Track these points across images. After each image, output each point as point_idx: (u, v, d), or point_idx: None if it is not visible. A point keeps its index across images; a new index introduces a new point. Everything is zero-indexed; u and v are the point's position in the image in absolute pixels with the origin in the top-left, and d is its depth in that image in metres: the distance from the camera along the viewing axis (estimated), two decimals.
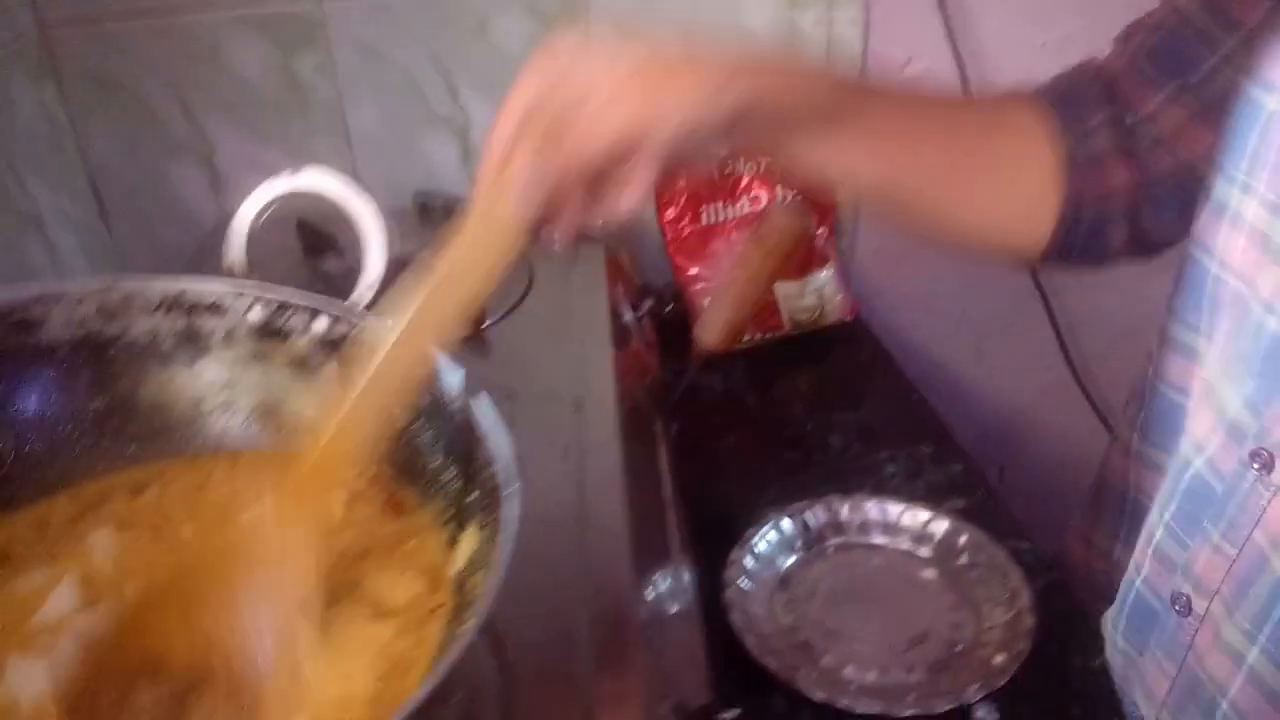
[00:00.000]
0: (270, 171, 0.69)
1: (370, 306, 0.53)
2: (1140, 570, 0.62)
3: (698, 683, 0.57)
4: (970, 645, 0.67)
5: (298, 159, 0.70)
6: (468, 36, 0.96)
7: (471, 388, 0.48)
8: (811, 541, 0.76)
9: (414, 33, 0.95)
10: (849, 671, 0.66)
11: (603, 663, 0.50)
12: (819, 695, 0.63)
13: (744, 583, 0.72)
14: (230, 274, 0.65)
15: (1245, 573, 0.53)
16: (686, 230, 1.02)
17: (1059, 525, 0.80)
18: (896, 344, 1.04)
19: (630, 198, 0.50)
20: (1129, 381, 0.70)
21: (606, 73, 0.48)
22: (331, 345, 0.54)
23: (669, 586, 0.62)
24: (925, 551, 0.75)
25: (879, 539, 0.76)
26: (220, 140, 0.98)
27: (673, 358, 0.90)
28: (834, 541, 0.76)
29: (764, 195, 1.02)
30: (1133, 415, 0.68)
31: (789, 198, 1.00)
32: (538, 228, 0.50)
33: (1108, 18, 0.64)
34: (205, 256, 0.76)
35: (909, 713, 0.62)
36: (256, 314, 0.54)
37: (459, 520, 0.48)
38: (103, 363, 0.54)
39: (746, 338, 1.01)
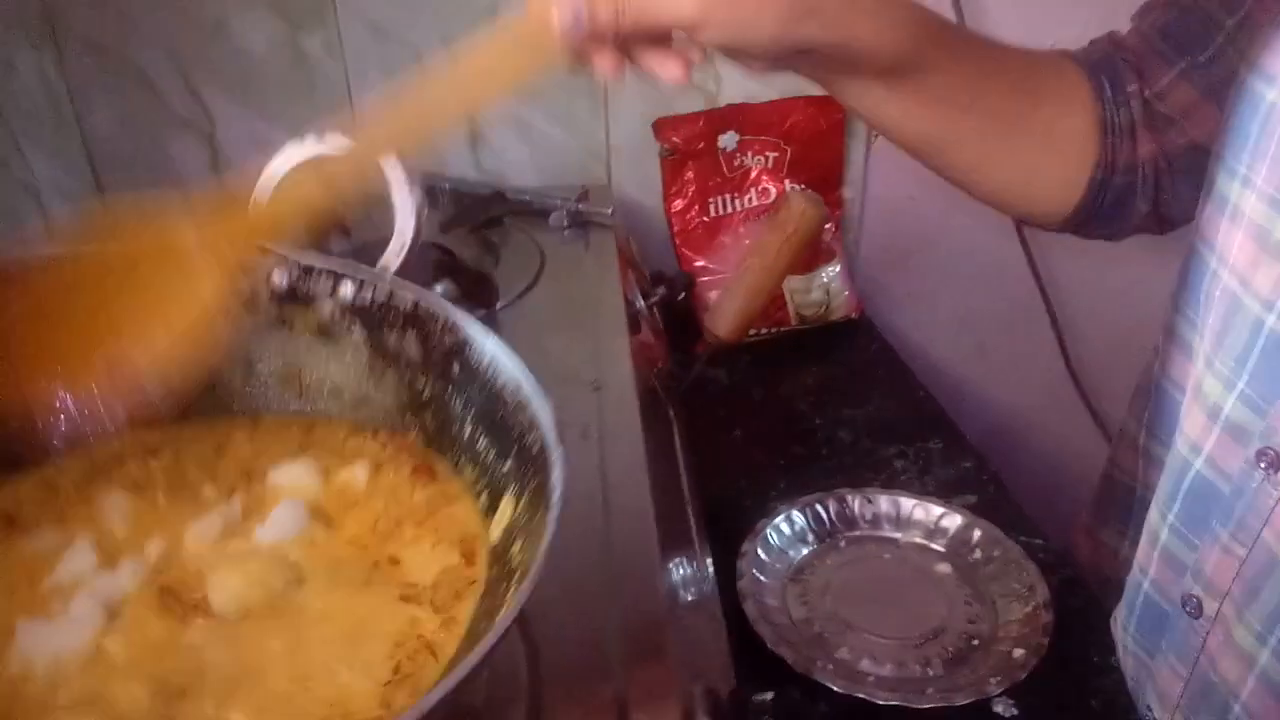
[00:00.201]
0: (272, 150, 0.67)
1: (399, 272, 0.52)
2: (1147, 571, 0.62)
3: (723, 668, 0.56)
4: (987, 640, 0.66)
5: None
6: (480, 17, 0.95)
7: (505, 353, 0.47)
8: (823, 534, 0.75)
9: (426, 12, 0.94)
10: (866, 664, 0.65)
11: (633, 646, 0.49)
12: (838, 686, 0.62)
13: (756, 574, 0.70)
14: None
15: (1255, 573, 0.52)
16: (694, 222, 1.01)
17: (1062, 524, 0.79)
18: (900, 341, 1.03)
19: (667, 72, 0.49)
20: (1131, 380, 0.69)
21: None
22: (357, 312, 0.53)
23: (689, 573, 0.61)
24: (938, 546, 0.74)
25: (891, 533, 0.75)
26: (222, 116, 0.96)
27: (678, 349, 0.89)
28: (846, 535, 0.75)
29: (773, 188, 1.02)
30: (1139, 412, 0.67)
31: (801, 189, 1.00)
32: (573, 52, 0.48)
33: (1126, 10, 0.64)
34: None
35: (928, 705, 0.61)
36: (279, 278, 0.52)
37: (494, 490, 0.46)
38: None
39: (753, 332, 1.00)
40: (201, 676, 0.39)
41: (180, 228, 0.46)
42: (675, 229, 1.01)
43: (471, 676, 0.33)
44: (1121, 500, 0.71)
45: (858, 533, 0.75)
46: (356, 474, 0.49)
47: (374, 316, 0.52)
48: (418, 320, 0.50)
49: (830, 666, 0.64)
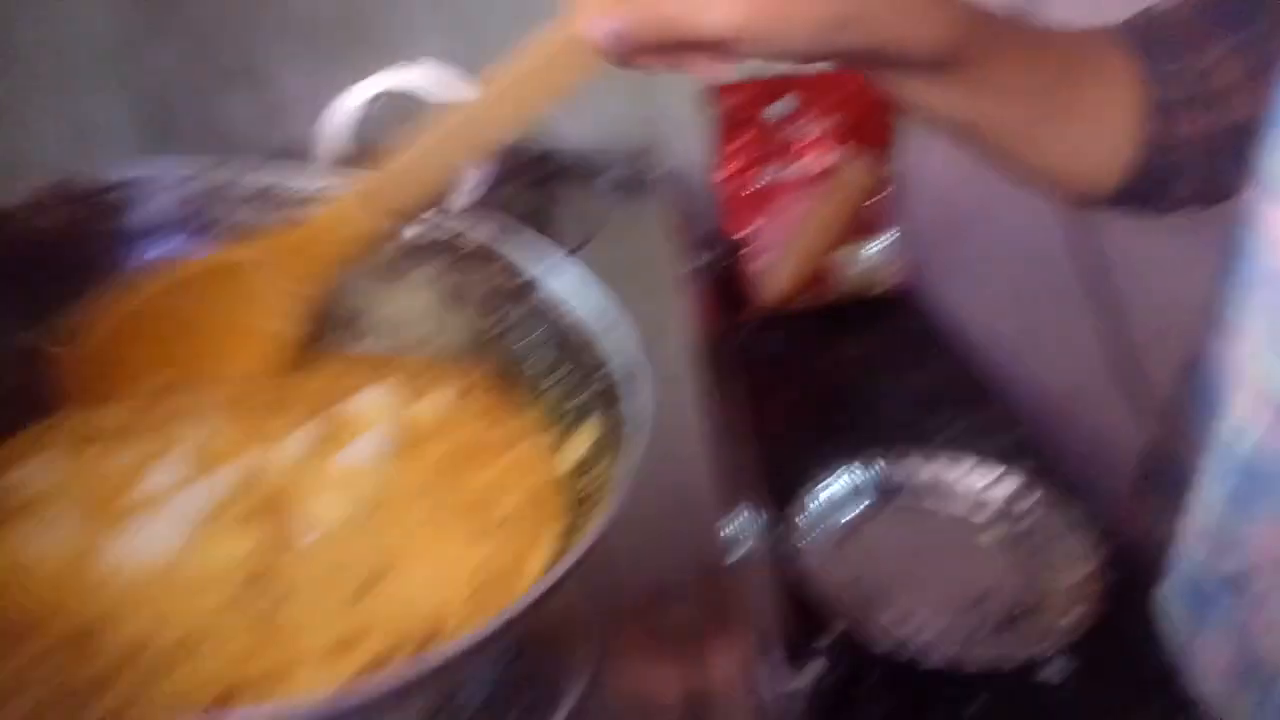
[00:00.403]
0: (330, 96, 0.67)
1: (466, 211, 0.52)
2: (1193, 548, 0.61)
3: (775, 625, 0.56)
4: (1038, 605, 0.66)
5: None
6: None
7: (585, 283, 0.47)
8: (871, 498, 0.75)
9: None
10: (915, 625, 0.65)
11: (696, 588, 0.49)
12: (886, 647, 0.62)
13: (803, 535, 0.70)
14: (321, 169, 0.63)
15: None
16: (743, 190, 1.01)
17: (1109, 499, 0.79)
18: (948, 314, 1.03)
19: (710, 72, 0.49)
20: (1180, 360, 0.69)
21: None
22: (422, 251, 0.53)
23: (743, 527, 0.61)
24: (989, 512, 0.74)
25: (941, 498, 0.75)
26: (278, 64, 0.96)
27: (725, 316, 0.89)
28: (894, 498, 0.75)
29: (825, 158, 1.01)
30: (1188, 390, 0.67)
31: (854, 158, 0.99)
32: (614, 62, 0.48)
33: None
34: None
35: (976, 668, 0.61)
36: None
37: (570, 421, 0.47)
38: None
39: (801, 299, 1.00)
40: (292, 589, 0.40)
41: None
42: (724, 195, 1.01)
43: (548, 595, 0.34)
44: (1169, 477, 0.70)
45: (907, 497, 0.75)
46: (434, 404, 0.50)
47: (444, 253, 0.52)
48: (491, 255, 0.50)
49: (879, 627, 0.64)
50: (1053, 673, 0.62)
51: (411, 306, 0.54)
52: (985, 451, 0.81)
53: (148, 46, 0.93)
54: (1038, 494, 0.73)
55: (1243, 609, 0.56)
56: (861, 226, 1.00)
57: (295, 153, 0.67)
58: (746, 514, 0.65)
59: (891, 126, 1.04)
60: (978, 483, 0.75)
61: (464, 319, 0.53)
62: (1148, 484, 0.73)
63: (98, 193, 0.51)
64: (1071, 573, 0.67)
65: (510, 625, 0.32)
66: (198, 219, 0.52)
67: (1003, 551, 0.71)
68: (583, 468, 0.44)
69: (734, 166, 1.01)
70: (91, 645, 0.38)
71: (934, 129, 0.61)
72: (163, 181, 0.52)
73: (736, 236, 1.01)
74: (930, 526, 0.73)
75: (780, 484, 0.73)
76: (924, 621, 0.65)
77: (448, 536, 0.43)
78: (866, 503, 0.74)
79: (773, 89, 0.99)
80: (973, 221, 1.08)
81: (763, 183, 1.01)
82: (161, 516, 0.42)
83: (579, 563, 0.34)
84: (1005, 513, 0.73)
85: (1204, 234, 0.64)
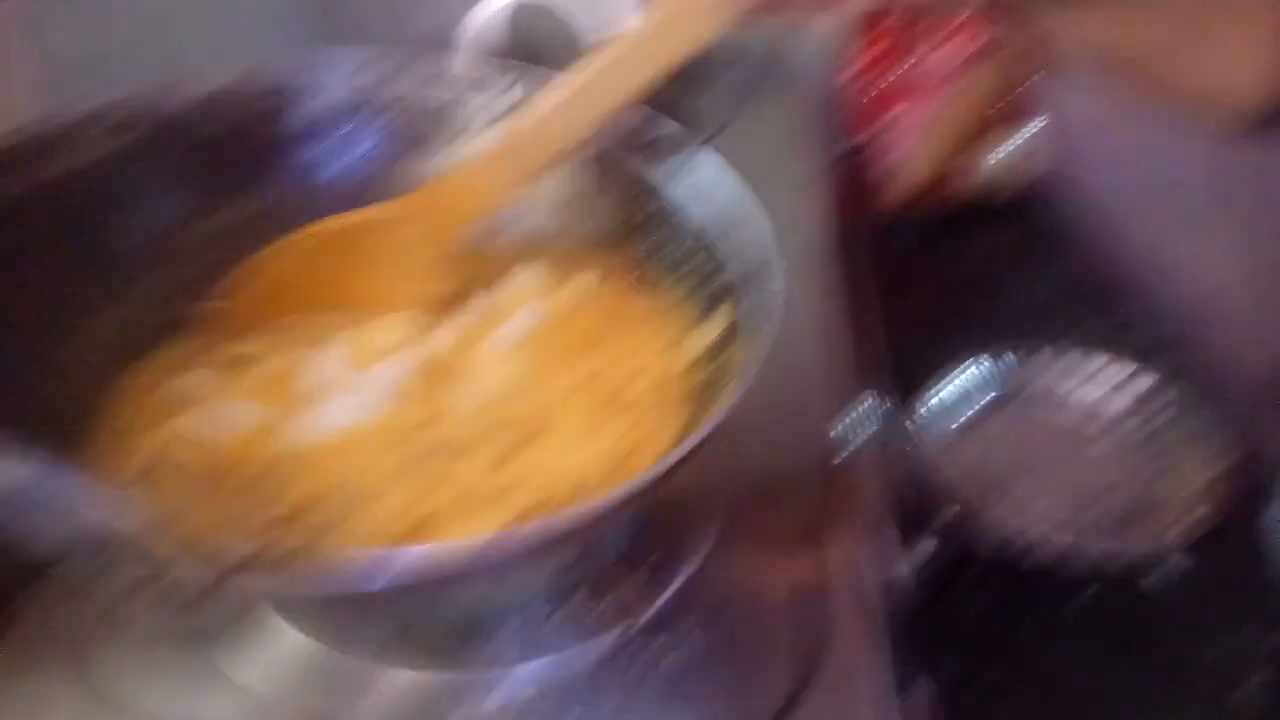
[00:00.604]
0: None
1: None
2: None
3: (892, 507, 0.59)
4: (1156, 505, 0.67)
5: None
6: None
7: (724, 172, 0.49)
8: (999, 391, 0.75)
9: None
10: (1030, 516, 0.66)
11: (819, 472, 0.51)
12: (998, 537, 0.64)
13: (926, 425, 0.72)
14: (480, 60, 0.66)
15: None
16: (874, 87, 0.99)
17: (1249, 406, 0.77)
18: (1099, 205, 1.00)
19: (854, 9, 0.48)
20: None
21: None
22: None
23: (867, 415, 0.63)
24: (1117, 410, 0.74)
25: (1068, 394, 0.75)
26: None
27: (852, 213, 0.88)
28: (1022, 393, 0.75)
29: (958, 56, 0.98)
30: None
31: (989, 54, 0.96)
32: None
33: None
34: None
35: (1088, 562, 0.62)
36: (518, 93, 0.54)
37: (708, 303, 0.49)
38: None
39: (935, 195, 0.98)
40: (454, 452, 0.45)
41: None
42: (855, 92, 0.99)
43: (676, 468, 0.37)
44: None
45: (1036, 391, 0.75)
46: (577, 288, 0.53)
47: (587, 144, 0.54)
48: (631, 146, 0.52)
49: (993, 518, 0.65)
50: (1156, 579, 0.63)
51: (556, 195, 0.57)
52: (1119, 350, 0.80)
53: None
54: (1169, 395, 0.72)
55: None
56: (998, 123, 0.98)
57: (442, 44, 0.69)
58: (871, 402, 0.66)
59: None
60: (1109, 380, 0.75)
61: (605, 208, 0.55)
62: (1278, 398, 0.72)
63: (274, 83, 0.55)
64: (1195, 477, 0.67)
65: (642, 492, 0.36)
66: (369, 106, 0.55)
67: (1127, 450, 0.71)
68: (712, 354, 0.47)
69: (866, 61, 0.99)
70: (278, 493, 0.44)
71: (1078, 62, 0.59)
72: (333, 71, 0.54)
73: (867, 133, 1.00)
74: (1055, 422, 0.74)
75: (908, 376, 0.75)
76: (1040, 513, 0.66)
77: (586, 412, 0.47)
78: (993, 395, 0.75)
79: None
80: (1124, 111, 1.04)
81: (895, 79, 0.99)
82: (337, 399, 0.47)
83: (705, 440, 0.37)
84: (1134, 411, 0.73)
85: None
